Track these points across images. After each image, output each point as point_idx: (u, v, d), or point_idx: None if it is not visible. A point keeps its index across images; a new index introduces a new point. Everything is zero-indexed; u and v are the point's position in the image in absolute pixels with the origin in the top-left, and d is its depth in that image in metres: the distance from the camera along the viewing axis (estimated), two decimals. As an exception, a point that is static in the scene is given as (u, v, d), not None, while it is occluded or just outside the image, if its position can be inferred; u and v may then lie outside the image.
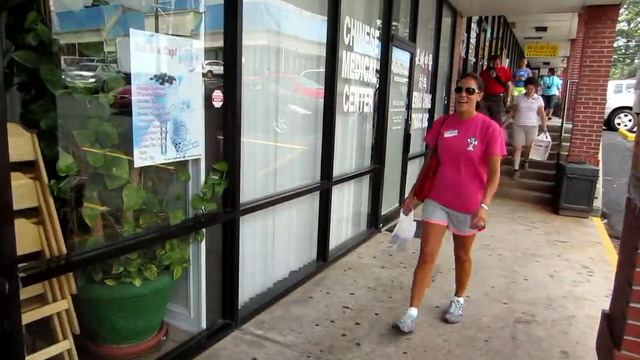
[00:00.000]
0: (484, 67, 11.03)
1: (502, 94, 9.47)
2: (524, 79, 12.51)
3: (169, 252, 2.66)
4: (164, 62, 2.43)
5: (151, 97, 2.37)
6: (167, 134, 2.50)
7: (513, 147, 8.08)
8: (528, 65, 14.00)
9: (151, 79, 2.36)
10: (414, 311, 3.29)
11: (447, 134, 3.16)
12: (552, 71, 15.75)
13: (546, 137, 7.81)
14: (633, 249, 1.92)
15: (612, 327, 2.16)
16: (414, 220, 3.43)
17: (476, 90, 3.03)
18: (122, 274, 2.45)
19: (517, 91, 12.31)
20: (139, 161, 2.35)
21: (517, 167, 8.33)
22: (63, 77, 2.25)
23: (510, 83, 9.94)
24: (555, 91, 15.11)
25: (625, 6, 31.10)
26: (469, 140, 3.04)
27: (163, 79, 2.44)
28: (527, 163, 8.47)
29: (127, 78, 2.32)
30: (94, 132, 2.22)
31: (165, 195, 2.77)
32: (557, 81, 15.17)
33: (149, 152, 2.40)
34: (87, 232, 2.33)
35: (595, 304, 3.90)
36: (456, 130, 3.12)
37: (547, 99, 14.59)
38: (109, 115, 2.36)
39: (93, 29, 2.51)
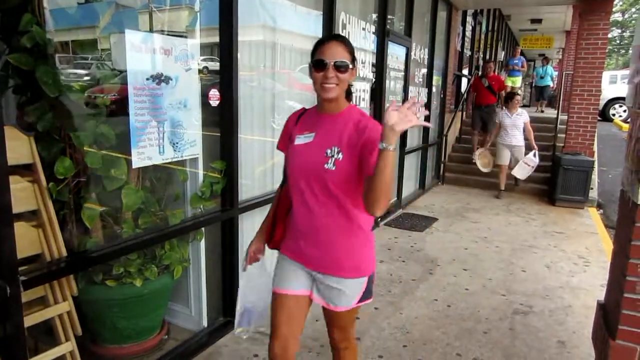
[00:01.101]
0: (476, 74, 10.22)
1: (495, 105, 8.75)
2: (517, 67, 11.94)
3: (169, 252, 2.67)
4: (160, 62, 2.44)
5: (148, 98, 2.38)
6: (165, 134, 2.51)
7: (498, 167, 7.51)
8: (522, 54, 13.12)
9: (147, 79, 2.37)
10: None
11: (298, 140, 1.87)
12: (546, 60, 14.66)
13: (535, 157, 7.08)
14: (626, 240, 1.94)
15: (607, 317, 2.19)
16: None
17: (350, 66, 1.76)
18: (122, 275, 2.46)
19: (511, 81, 11.64)
20: (137, 162, 2.36)
21: (502, 187, 7.54)
22: (60, 77, 2.26)
23: (503, 92, 9.01)
24: (549, 81, 14.19)
25: (619, -4, 31.12)
26: (328, 151, 1.75)
27: (159, 79, 2.44)
28: (518, 180, 7.67)
29: (122, 76, 2.32)
30: (92, 134, 2.23)
31: (164, 195, 2.78)
32: (550, 71, 14.22)
33: (146, 152, 2.41)
34: (86, 234, 2.34)
35: (591, 293, 3.94)
36: (312, 134, 1.84)
37: (541, 90, 14.08)
38: (106, 116, 2.37)
39: (87, 26, 2.51)
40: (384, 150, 1.52)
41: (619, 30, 36.17)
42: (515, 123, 7.13)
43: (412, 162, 7.21)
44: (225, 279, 3.17)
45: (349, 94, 1.90)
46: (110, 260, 2.39)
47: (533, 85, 14.67)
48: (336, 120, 1.82)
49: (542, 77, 14.00)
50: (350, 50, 1.79)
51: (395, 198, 6.46)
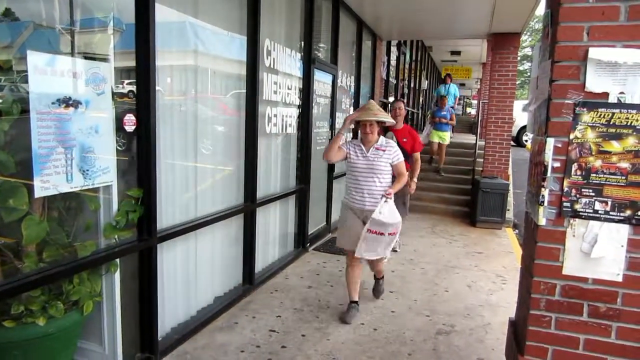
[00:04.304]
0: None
1: (407, 172, 4.64)
2: (445, 120, 9.21)
3: (78, 287, 2.48)
4: (68, 85, 2.31)
5: (54, 123, 2.24)
6: (73, 161, 2.37)
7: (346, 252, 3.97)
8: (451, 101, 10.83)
9: (53, 103, 2.23)
10: None
11: None
12: (449, 78, 12.77)
13: (383, 213, 3.53)
14: (530, 259, 2.06)
15: (516, 333, 2.30)
16: None
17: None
18: (23, 314, 2.25)
19: (439, 137, 9.16)
20: (40, 190, 2.20)
21: (355, 296, 3.91)
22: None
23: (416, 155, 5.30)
24: (451, 102, 11.98)
25: (528, 33, 34.00)
26: None
27: (67, 102, 2.31)
28: (381, 280, 4.30)
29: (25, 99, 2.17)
30: (-14, 161, 2.06)
31: (73, 225, 2.61)
32: (454, 90, 12.39)
33: (52, 180, 2.25)
34: (-20, 270, 2.14)
35: (508, 310, 4.12)
36: None
37: None
38: (5, 142, 2.19)
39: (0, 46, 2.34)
40: None
41: (530, 64, 39.34)
42: (374, 165, 3.66)
43: (341, 186, 7.31)
44: (144, 311, 3.01)
45: None
46: (8, 299, 2.18)
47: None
48: None
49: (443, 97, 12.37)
50: None
51: (325, 222, 6.50)
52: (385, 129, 4.50)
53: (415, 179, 5.27)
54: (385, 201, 3.58)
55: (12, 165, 2.12)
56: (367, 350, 3.36)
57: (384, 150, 3.70)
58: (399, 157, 3.76)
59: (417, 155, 5.27)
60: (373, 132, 3.69)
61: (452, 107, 11.67)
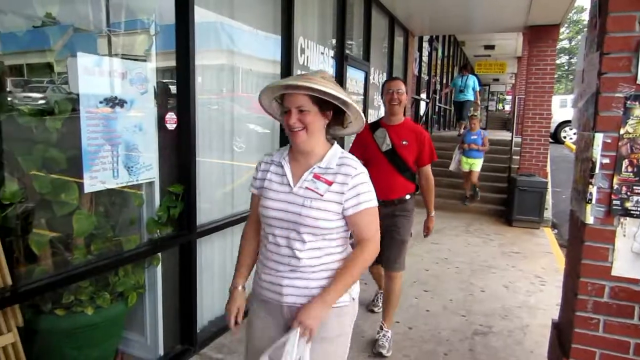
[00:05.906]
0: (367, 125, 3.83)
1: (409, 197, 3.28)
2: (477, 146, 7.67)
3: (123, 279, 2.58)
4: (114, 85, 2.40)
5: (101, 121, 2.33)
6: (119, 158, 2.45)
7: None
8: (483, 127, 9.12)
9: (101, 102, 2.32)
10: None
11: None
12: (465, 69, 11.13)
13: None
14: (577, 259, 2.01)
15: (560, 335, 2.24)
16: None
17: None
18: (72, 303, 2.35)
19: (469, 164, 7.75)
20: (89, 186, 2.29)
21: None
22: (10, 99, 2.18)
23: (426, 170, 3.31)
24: (470, 96, 10.50)
25: (566, 25, 32.98)
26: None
27: (113, 102, 2.39)
28: None
29: (75, 99, 2.26)
30: (41, 157, 2.15)
31: (118, 220, 2.70)
32: (472, 82, 10.55)
33: (99, 176, 2.34)
34: (34, 261, 2.23)
35: (547, 312, 4.03)
36: None
37: (460, 106, 10.82)
38: (57, 139, 2.28)
39: (42, 49, 2.44)
40: None
41: (567, 57, 38.21)
42: (303, 212, 1.61)
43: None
44: (183, 304, 3.09)
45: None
46: (59, 288, 2.28)
47: (452, 101, 11.84)
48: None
49: (461, 91, 10.72)
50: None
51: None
52: (375, 125, 3.26)
53: (433, 213, 3.40)
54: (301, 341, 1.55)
55: (63, 162, 2.21)
56: (402, 348, 3.35)
57: (329, 183, 1.65)
58: (366, 199, 1.67)
59: (428, 170, 3.27)
60: (308, 123, 1.62)
61: (470, 103, 10.59)
